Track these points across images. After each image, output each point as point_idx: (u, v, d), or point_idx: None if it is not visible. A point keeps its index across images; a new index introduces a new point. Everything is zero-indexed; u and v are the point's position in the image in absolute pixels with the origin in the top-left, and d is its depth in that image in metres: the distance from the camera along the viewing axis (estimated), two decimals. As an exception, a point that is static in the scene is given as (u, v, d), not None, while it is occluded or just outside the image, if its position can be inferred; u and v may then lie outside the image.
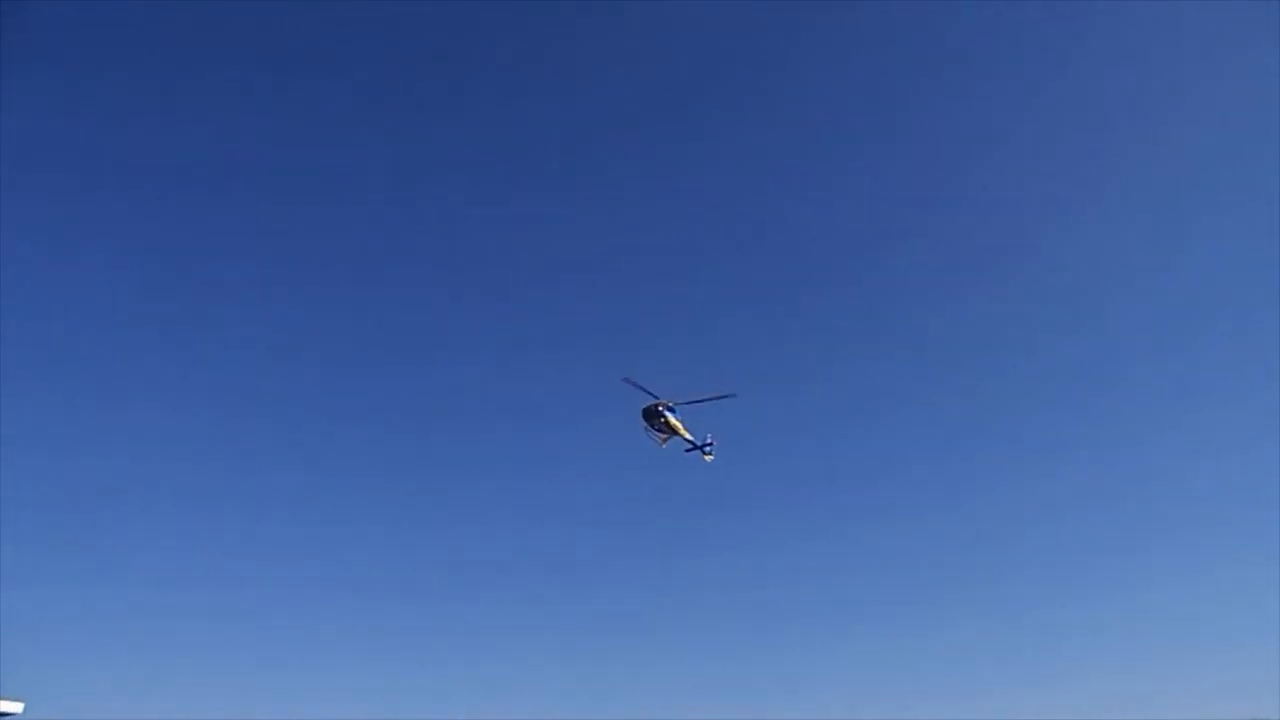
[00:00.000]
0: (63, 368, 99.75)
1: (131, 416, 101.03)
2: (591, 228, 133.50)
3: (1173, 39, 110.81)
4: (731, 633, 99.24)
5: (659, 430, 65.11)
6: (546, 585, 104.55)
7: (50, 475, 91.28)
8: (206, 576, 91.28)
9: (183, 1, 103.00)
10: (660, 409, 63.32)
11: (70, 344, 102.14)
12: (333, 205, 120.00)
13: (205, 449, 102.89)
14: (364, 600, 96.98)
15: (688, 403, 64.92)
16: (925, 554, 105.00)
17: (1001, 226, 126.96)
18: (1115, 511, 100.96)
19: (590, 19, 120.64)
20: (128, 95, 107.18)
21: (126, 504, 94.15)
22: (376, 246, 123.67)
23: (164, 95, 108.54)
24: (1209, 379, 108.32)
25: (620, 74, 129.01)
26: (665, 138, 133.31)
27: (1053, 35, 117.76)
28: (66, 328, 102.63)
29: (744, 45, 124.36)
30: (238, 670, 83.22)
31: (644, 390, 62.63)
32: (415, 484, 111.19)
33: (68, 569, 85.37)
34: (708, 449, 71.14)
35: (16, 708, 28.24)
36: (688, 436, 67.92)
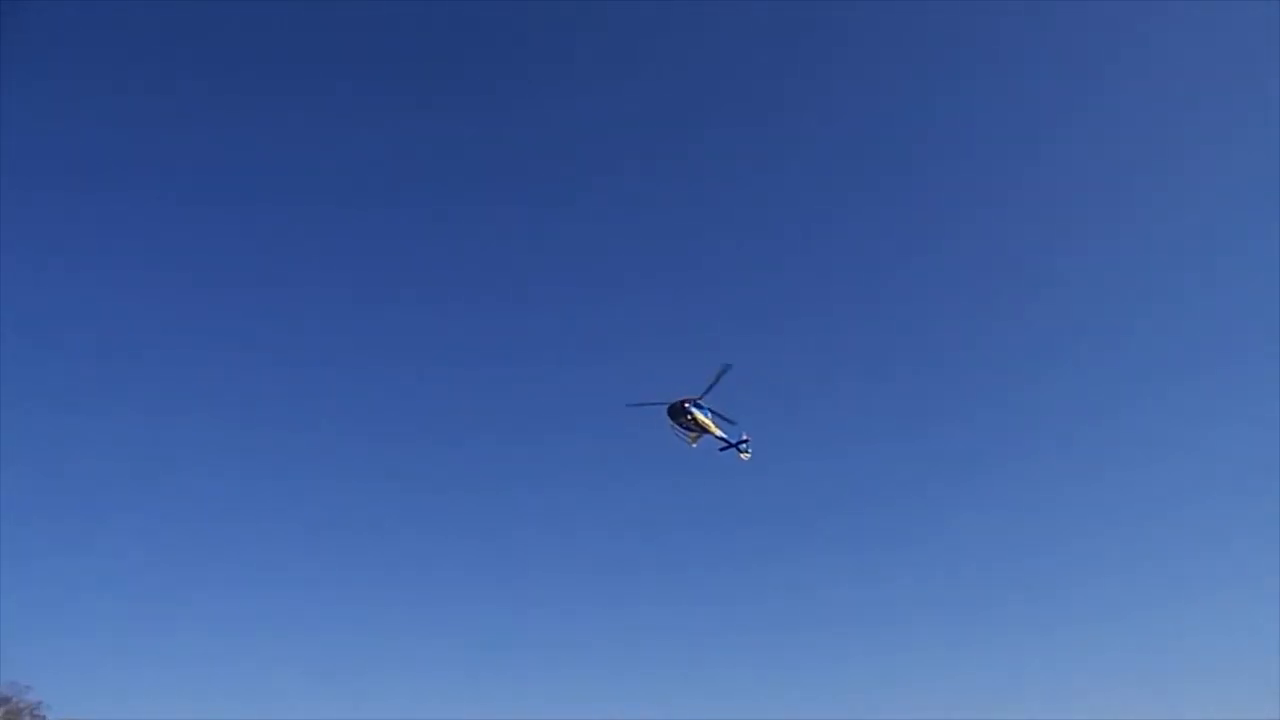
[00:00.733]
0: (62, 369, 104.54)
1: (131, 418, 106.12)
2: (616, 238, 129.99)
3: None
4: (736, 636, 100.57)
5: (687, 429, 61.42)
6: (546, 587, 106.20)
7: (50, 478, 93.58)
8: (205, 579, 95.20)
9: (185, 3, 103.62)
10: (686, 405, 59.71)
11: (69, 345, 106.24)
12: (339, 208, 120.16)
13: (211, 453, 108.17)
14: (367, 604, 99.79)
15: (703, 395, 60.91)
16: (927, 555, 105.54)
17: (1019, 237, 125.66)
18: (1116, 511, 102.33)
19: (619, 23, 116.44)
20: (126, 96, 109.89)
21: (127, 506, 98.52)
22: (386, 251, 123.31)
23: (165, 98, 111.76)
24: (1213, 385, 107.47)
25: (636, 80, 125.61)
26: (679, 147, 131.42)
27: (1091, 42, 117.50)
28: (66, 329, 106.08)
29: (766, 59, 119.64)
30: (238, 670, 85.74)
31: (651, 405, 59.35)
32: (419, 488, 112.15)
33: (67, 571, 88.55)
34: (743, 446, 67.21)
35: None
36: (719, 434, 64.11)
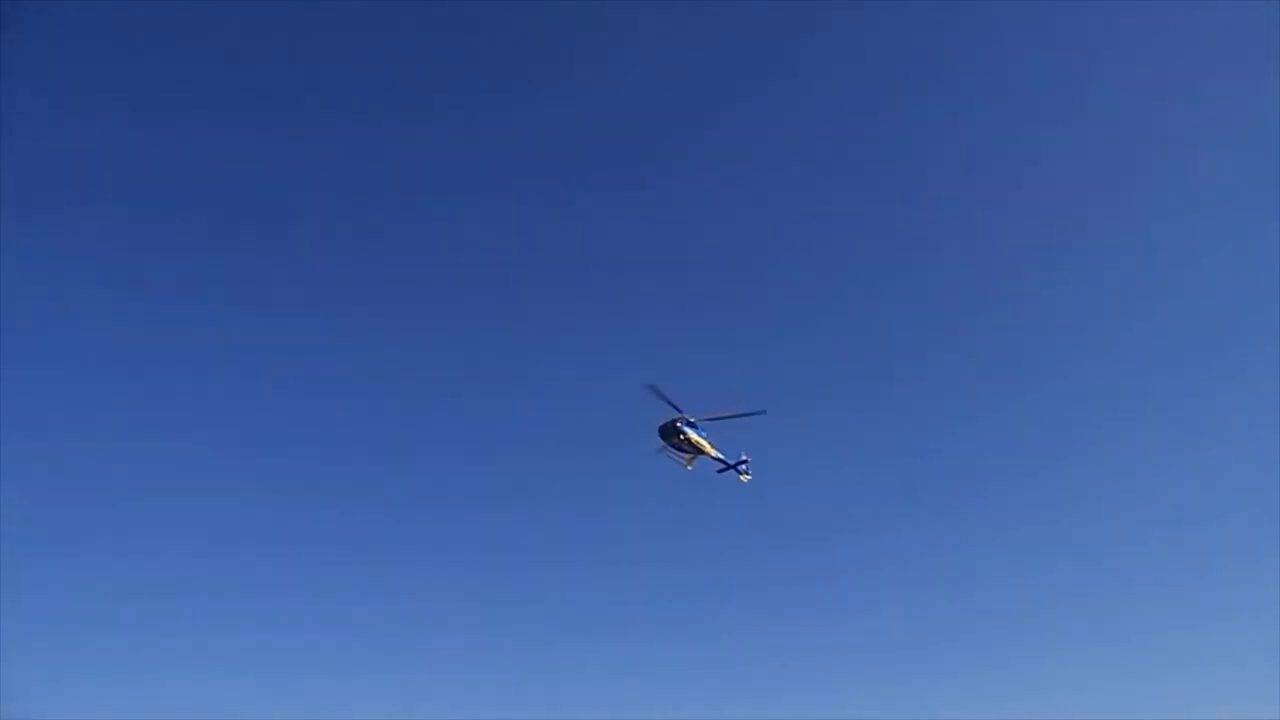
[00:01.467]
0: (61, 368, 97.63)
1: (131, 418, 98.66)
2: (625, 240, 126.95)
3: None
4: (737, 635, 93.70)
5: (680, 450, 57.89)
6: (546, 588, 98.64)
7: (49, 477, 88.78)
8: (204, 579, 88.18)
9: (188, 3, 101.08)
10: (678, 425, 56.23)
11: (68, 343, 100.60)
12: (338, 213, 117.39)
13: (212, 452, 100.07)
14: (365, 604, 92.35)
15: (711, 419, 57.69)
16: (929, 556, 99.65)
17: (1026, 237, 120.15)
18: (1117, 512, 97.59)
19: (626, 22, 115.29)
20: (123, 97, 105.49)
21: (127, 507, 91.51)
22: (388, 258, 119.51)
23: (165, 100, 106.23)
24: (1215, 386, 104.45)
25: (643, 80, 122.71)
26: (670, 150, 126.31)
27: (1090, 41, 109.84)
28: (65, 326, 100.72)
29: (764, 58, 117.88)
30: (237, 671, 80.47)
31: (668, 402, 55.91)
32: (419, 491, 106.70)
33: (66, 572, 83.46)
34: (743, 467, 63.49)
35: None
36: (716, 455, 60.58)
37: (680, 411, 56.82)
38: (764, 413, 57.83)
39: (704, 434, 58.89)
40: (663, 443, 57.44)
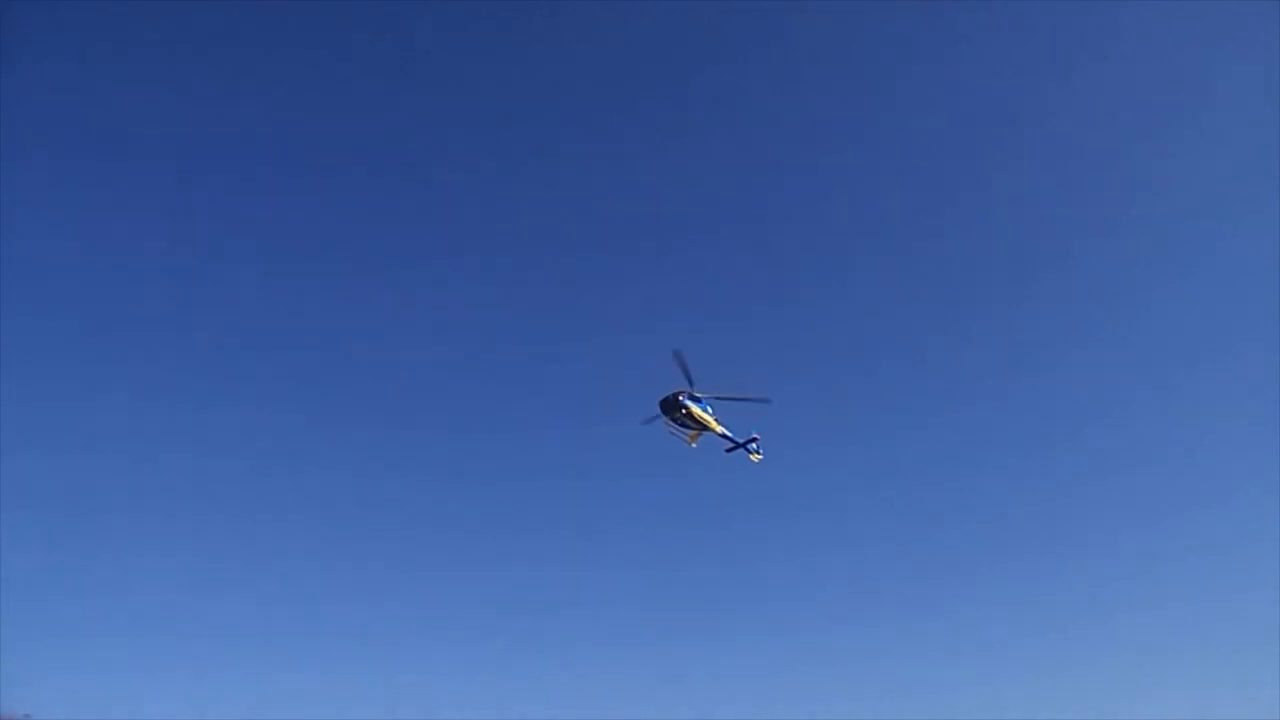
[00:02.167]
0: (60, 366, 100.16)
1: (130, 415, 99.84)
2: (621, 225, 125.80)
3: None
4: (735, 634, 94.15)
5: (684, 425, 54.94)
6: (544, 588, 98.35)
7: (48, 477, 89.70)
8: (203, 579, 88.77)
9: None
10: (680, 398, 53.18)
11: (67, 340, 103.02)
12: (337, 192, 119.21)
13: (212, 449, 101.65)
14: (363, 603, 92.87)
15: (717, 397, 54.70)
16: (927, 548, 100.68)
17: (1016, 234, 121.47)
18: (1117, 512, 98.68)
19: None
20: (123, 84, 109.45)
21: (125, 502, 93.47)
22: (380, 233, 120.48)
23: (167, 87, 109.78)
24: (1215, 385, 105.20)
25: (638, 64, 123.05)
26: (671, 141, 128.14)
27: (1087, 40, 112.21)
28: (64, 323, 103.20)
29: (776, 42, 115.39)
30: (236, 671, 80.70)
31: (685, 374, 52.88)
32: (414, 487, 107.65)
33: (65, 573, 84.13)
34: (753, 446, 60.28)
35: None
36: (722, 432, 57.39)
37: (691, 384, 54.10)
38: (768, 401, 54.98)
39: (709, 409, 55.84)
40: (665, 417, 54.55)
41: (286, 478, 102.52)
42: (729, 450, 59.94)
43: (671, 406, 53.45)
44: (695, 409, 54.09)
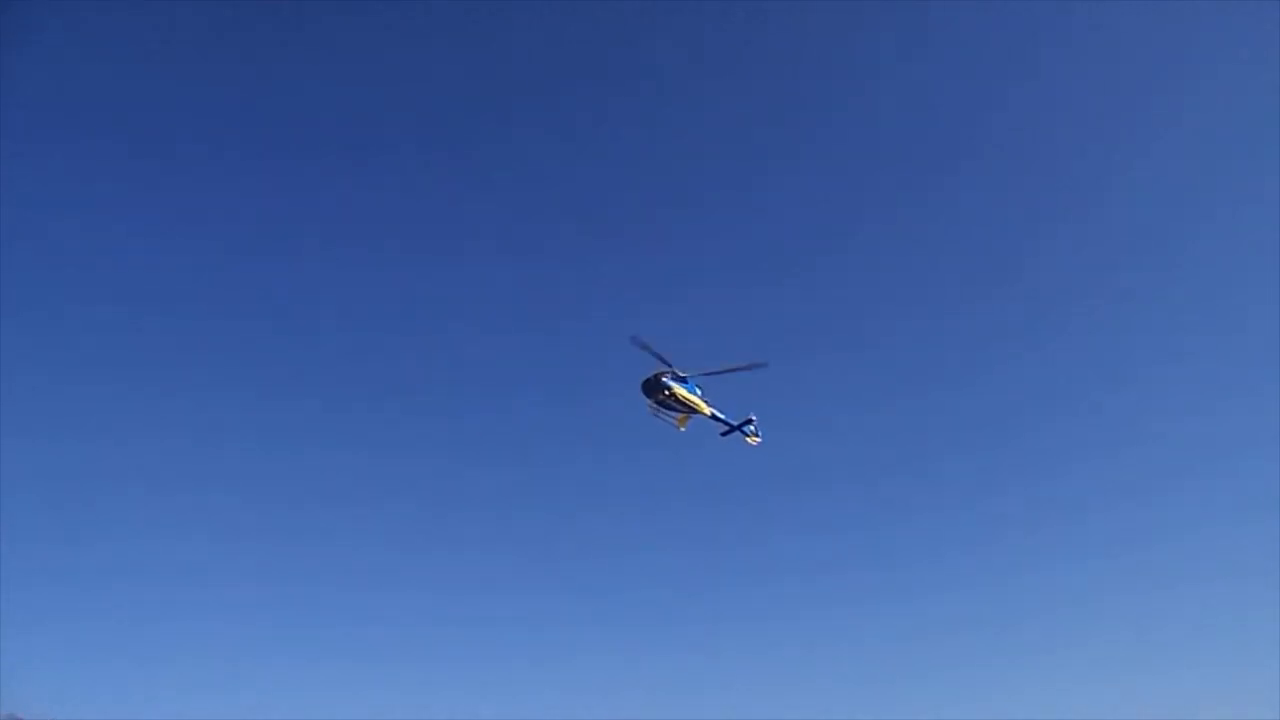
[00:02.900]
0: (59, 358, 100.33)
1: (128, 410, 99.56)
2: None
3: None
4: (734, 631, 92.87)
5: (669, 408, 50.79)
6: (541, 581, 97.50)
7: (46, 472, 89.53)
8: (206, 574, 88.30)
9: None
10: (663, 380, 49.08)
11: (67, 334, 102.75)
12: (332, 182, 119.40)
13: (210, 438, 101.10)
14: (358, 594, 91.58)
15: (704, 374, 50.38)
16: (929, 553, 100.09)
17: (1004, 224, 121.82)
18: (1117, 511, 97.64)
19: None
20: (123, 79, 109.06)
21: (123, 500, 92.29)
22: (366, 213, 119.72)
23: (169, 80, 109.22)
24: (1213, 380, 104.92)
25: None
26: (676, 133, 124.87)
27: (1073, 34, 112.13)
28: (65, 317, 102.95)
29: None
30: (237, 671, 79.76)
31: (655, 355, 49.20)
32: (409, 478, 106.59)
33: (64, 569, 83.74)
34: (749, 429, 55.98)
35: None
36: (712, 413, 53.23)
37: (668, 365, 49.85)
38: (765, 365, 50.30)
39: (697, 390, 51.57)
40: (648, 400, 50.51)
41: (283, 468, 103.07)
42: (724, 434, 55.91)
43: (653, 388, 49.55)
44: (679, 389, 50.02)
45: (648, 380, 49.42)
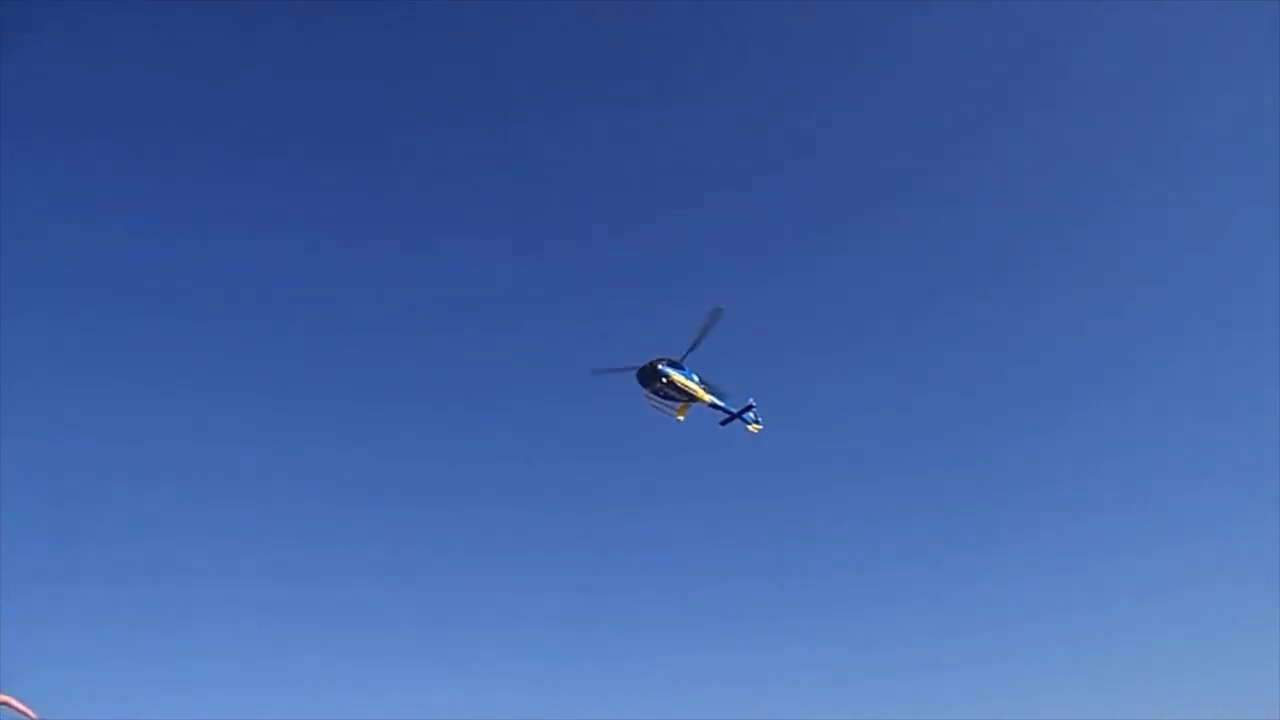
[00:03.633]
0: (58, 358, 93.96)
1: (127, 408, 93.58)
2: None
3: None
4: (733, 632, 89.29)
5: (666, 397, 48.92)
6: (537, 579, 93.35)
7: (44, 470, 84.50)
8: (203, 573, 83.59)
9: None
10: (659, 367, 47.27)
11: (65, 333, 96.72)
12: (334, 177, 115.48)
13: (206, 437, 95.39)
14: (356, 593, 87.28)
15: (688, 352, 48.43)
16: (927, 552, 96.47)
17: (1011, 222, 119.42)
18: (1116, 510, 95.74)
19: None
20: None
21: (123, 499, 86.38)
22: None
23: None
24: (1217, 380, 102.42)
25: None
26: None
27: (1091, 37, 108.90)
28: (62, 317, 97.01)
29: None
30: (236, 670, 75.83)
31: (618, 372, 47.92)
32: (403, 473, 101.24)
33: (62, 567, 79.50)
34: (749, 416, 54.23)
35: None
36: (711, 400, 51.48)
37: (656, 363, 47.91)
38: (722, 310, 46.57)
39: (694, 377, 49.73)
40: (645, 391, 48.57)
41: (284, 467, 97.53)
42: (724, 423, 54.09)
43: (650, 377, 47.59)
44: (678, 376, 48.11)
45: (643, 369, 47.48)
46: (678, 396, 49.35)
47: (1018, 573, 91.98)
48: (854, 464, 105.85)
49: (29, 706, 23.95)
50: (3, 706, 23.67)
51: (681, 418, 50.51)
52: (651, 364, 47.41)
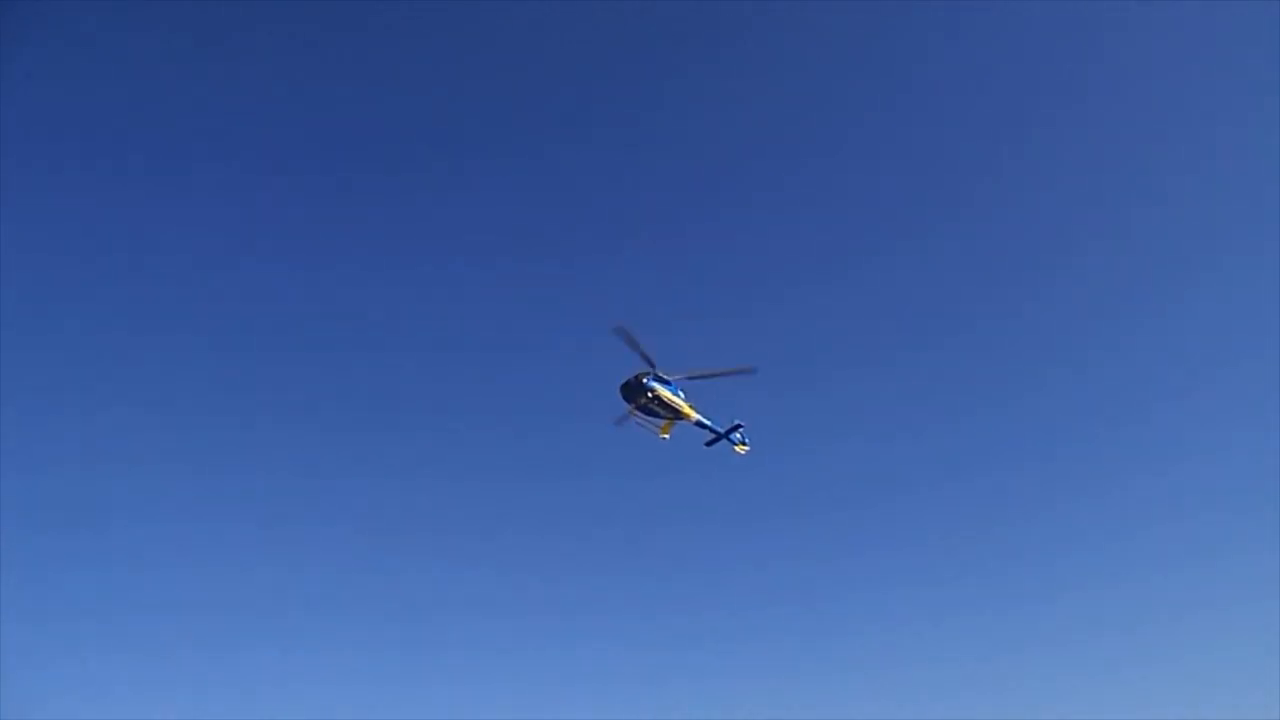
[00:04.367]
0: (59, 358, 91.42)
1: (126, 415, 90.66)
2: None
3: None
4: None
5: (652, 414, 46.28)
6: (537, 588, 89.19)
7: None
8: (201, 579, 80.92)
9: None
10: (644, 381, 44.64)
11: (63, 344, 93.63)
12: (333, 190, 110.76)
13: (203, 450, 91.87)
14: (356, 605, 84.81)
15: (688, 378, 46.13)
16: (924, 547, 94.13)
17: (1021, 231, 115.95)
18: (1116, 510, 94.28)
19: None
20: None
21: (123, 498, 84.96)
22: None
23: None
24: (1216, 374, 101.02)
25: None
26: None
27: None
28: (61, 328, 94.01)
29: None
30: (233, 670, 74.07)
31: (639, 352, 45.23)
32: (404, 485, 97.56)
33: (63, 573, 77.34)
34: (736, 436, 51.68)
35: None
36: (698, 420, 49.05)
37: (652, 365, 45.46)
38: (752, 371, 46.43)
39: (680, 393, 47.24)
40: (629, 405, 45.91)
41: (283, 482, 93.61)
42: (709, 443, 51.59)
43: (635, 392, 45.04)
44: (664, 392, 45.64)
45: (628, 383, 44.93)
46: (663, 414, 46.87)
47: (1018, 578, 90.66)
48: (851, 483, 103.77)
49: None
50: None
51: (666, 436, 48.04)
52: (637, 378, 44.90)
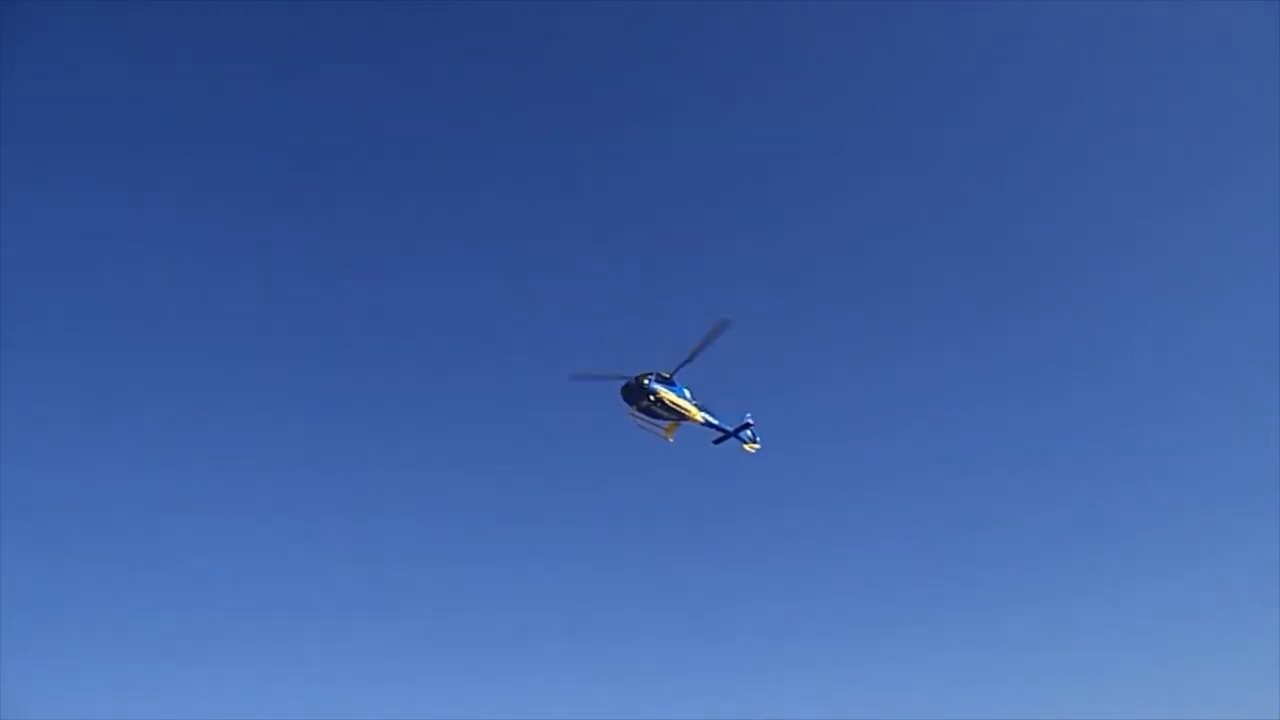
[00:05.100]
0: (58, 358, 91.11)
1: (125, 415, 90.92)
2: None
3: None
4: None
5: (654, 416, 43.64)
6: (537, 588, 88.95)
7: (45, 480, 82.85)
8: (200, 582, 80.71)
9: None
10: (645, 382, 42.00)
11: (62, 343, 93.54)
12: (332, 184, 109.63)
13: (200, 447, 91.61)
14: (355, 603, 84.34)
15: (682, 365, 42.99)
16: (924, 546, 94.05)
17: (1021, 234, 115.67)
18: (1116, 509, 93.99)
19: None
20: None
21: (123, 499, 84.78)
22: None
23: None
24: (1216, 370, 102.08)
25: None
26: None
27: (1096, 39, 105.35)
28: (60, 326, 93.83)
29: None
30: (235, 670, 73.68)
31: (601, 378, 42.98)
32: (404, 482, 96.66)
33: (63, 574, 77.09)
34: (746, 434, 49.12)
35: None
36: (703, 419, 46.41)
37: (644, 375, 42.65)
38: (730, 322, 41.00)
39: (685, 393, 44.50)
40: (630, 409, 43.28)
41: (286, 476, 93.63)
42: (718, 441, 49.04)
43: (636, 394, 42.35)
44: (667, 394, 42.97)
45: (629, 385, 42.30)
46: (666, 415, 44.22)
47: (1018, 578, 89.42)
48: (851, 483, 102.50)
49: None
50: None
51: (670, 438, 45.44)
52: (638, 379, 42.25)
